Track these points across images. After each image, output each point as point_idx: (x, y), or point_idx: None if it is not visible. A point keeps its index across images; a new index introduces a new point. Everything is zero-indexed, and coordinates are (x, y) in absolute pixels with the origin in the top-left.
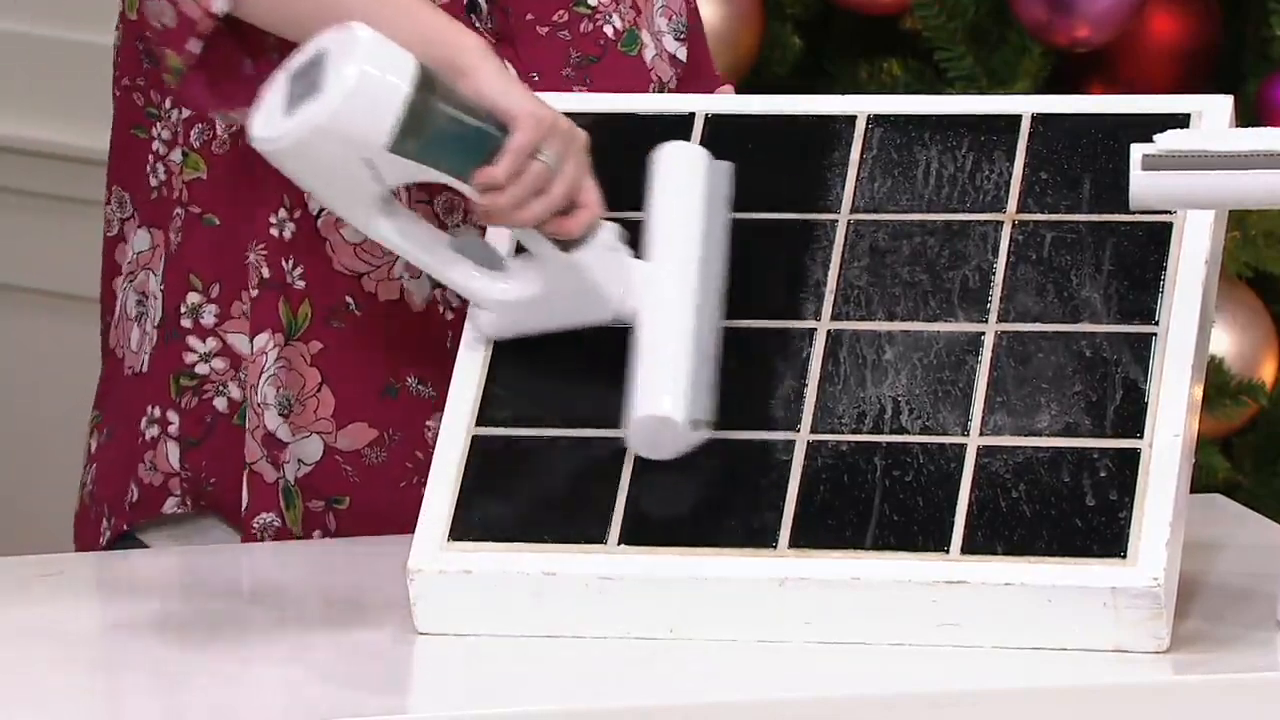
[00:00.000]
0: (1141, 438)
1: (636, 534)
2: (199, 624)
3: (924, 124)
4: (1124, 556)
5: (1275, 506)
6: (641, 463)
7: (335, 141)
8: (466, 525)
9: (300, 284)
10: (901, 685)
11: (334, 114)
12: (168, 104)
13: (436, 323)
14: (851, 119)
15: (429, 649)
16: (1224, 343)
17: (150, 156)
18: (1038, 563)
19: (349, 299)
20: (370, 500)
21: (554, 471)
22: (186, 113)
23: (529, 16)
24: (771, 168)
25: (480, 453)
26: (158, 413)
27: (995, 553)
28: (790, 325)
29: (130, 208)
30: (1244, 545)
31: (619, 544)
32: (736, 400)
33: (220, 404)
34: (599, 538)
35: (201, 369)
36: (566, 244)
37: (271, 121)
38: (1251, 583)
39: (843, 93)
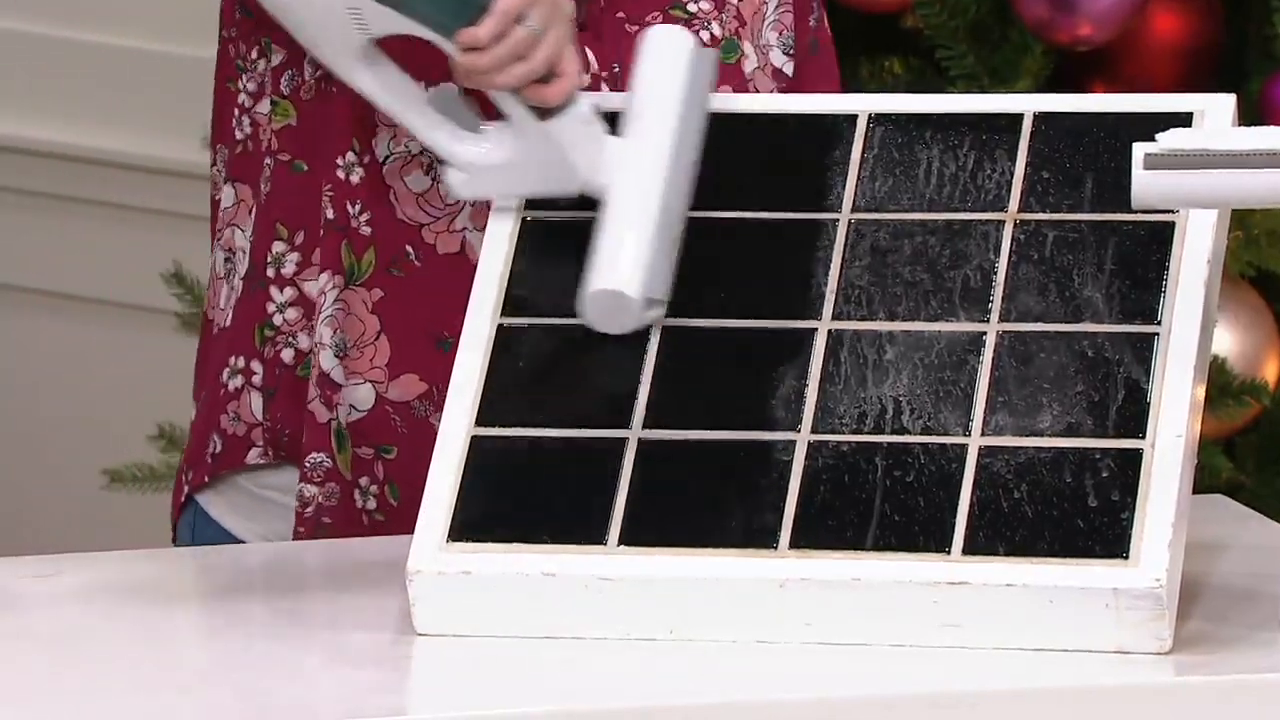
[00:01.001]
0: (1144, 438)
1: (636, 534)
2: (197, 624)
3: (925, 123)
4: (1126, 557)
5: (1278, 507)
6: (642, 463)
7: None
8: (466, 526)
9: (367, 229)
10: (902, 686)
11: None
12: (254, 54)
13: None
14: (852, 118)
15: (428, 650)
16: (1226, 342)
17: (236, 110)
18: (1039, 563)
19: (409, 248)
20: (417, 453)
21: (553, 472)
22: (276, 60)
23: (620, 14)
24: (772, 167)
25: (480, 453)
26: (241, 363)
27: (997, 553)
28: (791, 325)
29: (222, 165)
30: (1247, 546)
31: (619, 544)
32: (737, 400)
33: (287, 355)
34: (598, 538)
35: (277, 319)
36: (543, 112)
37: None
38: (1254, 583)
39: (845, 90)
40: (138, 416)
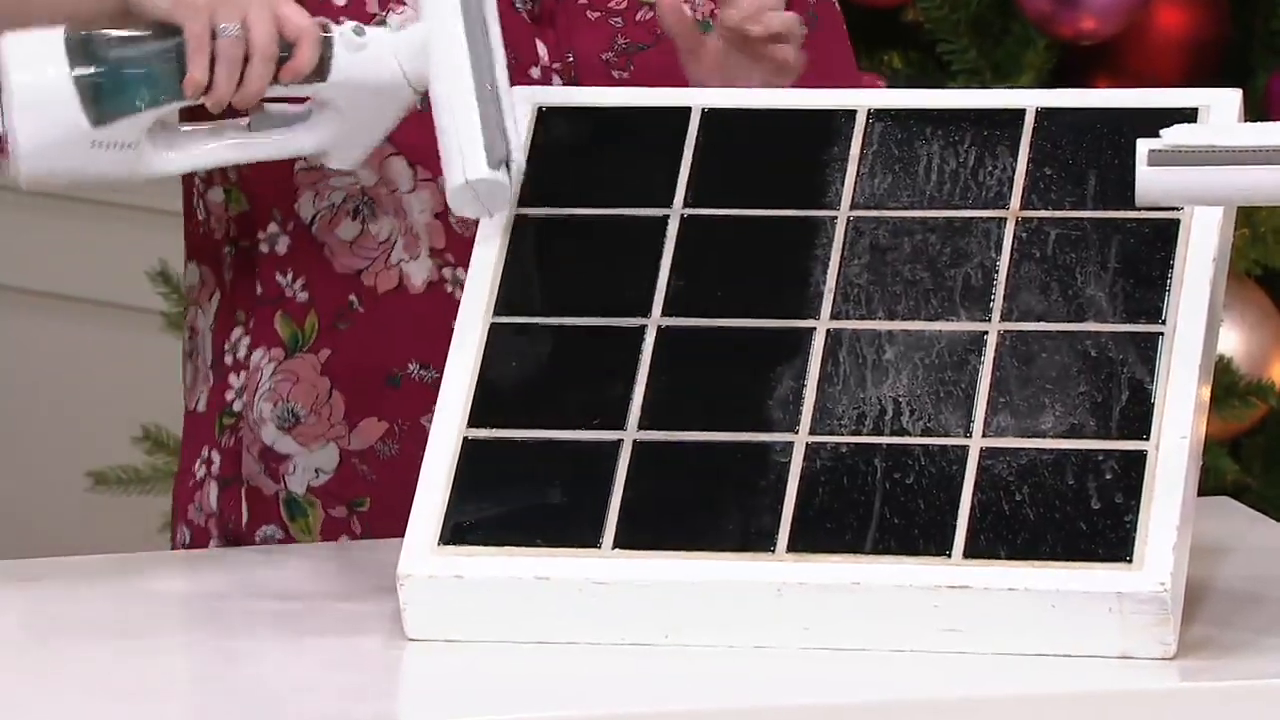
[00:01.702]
0: (1148, 439)
1: (631, 537)
2: (185, 629)
3: (926, 118)
4: (1130, 561)
5: None
6: (636, 464)
7: (51, 153)
8: (458, 529)
9: (303, 295)
10: (902, 692)
11: (27, 134)
12: None
13: (439, 302)
14: (852, 113)
15: (419, 655)
16: (1232, 342)
17: (195, 191)
18: (1042, 567)
19: (352, 298)
20: (390, 496)
21: (547, 474)
22: None
23: (581, 1)
24: (770, 163)
25: (472, 455)
26: (206, 453)
27: (998, 557)
28: (789, 324)
29: (186, 239)
30: (1253, 549)
31: (613, 547)
32: (734, 401)
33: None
34: (593, 541)
35: (238, 405)
36: (313, 75)
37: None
38: (1260, 587)
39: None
40: (122, 418)
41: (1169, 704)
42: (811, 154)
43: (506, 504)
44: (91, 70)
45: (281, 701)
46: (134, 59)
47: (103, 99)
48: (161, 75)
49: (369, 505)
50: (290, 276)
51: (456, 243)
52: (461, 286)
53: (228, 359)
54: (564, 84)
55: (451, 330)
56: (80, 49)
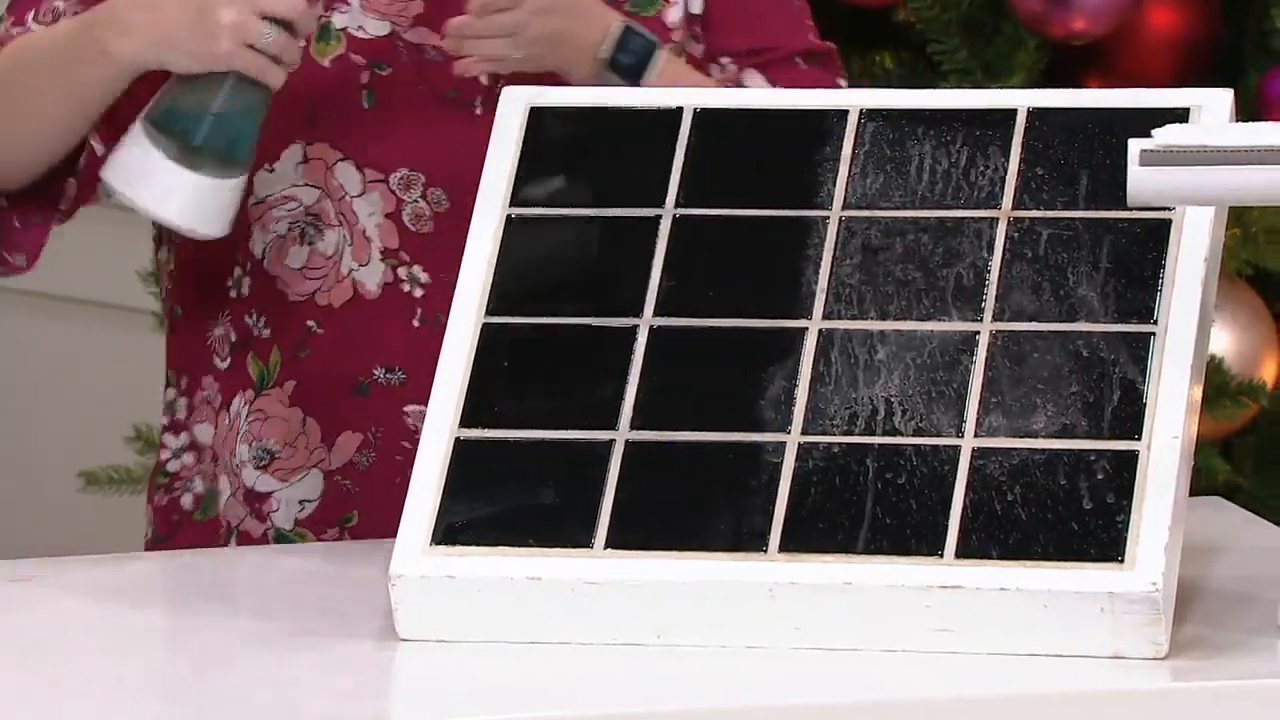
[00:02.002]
0: (1139, 439)
1: (623, 537)
2: (176, 630)
3: (917, 118)
4: (1122, 561)
5: (1276, 509)
6: (628, 464)
7: (209, 215)
8: (449, 529)
9: (266, 332)
10: (894, 692)
11: (186, 221)
12: None
13: (397, 302)
14: (843, 113)
15: (411, 655)
16: (1224, 342)
17: (156, 259)
18: (1034, 567)
19: (310, 323)
20: (375, 505)
21: (538, 474)
22: None
23: None
24: (761, 163)
25: (463, 455)
26: (150, 514)
27: (990, 557)
28: (781, 324)
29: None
30: (1244, 549)
31: (605, 548)
32: (725, 401)
33: (186, 501)
34: (585, 541)
35: (173, 465)
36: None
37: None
38: (1252, 587)
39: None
40: (114, 418)
41: (1161, 704)
42: (803, 154)
43: (498, 504)
44: (200, 144)
45: (274, 701)
46: (222, 109)
47: (230, 156)
48: (243, 141)
49: (357, 519)
50: (255, 316)
51: (410, 240)
52: (419, 285)
53: (164, 418)
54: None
55: (412, 329)
56: (171, 134)
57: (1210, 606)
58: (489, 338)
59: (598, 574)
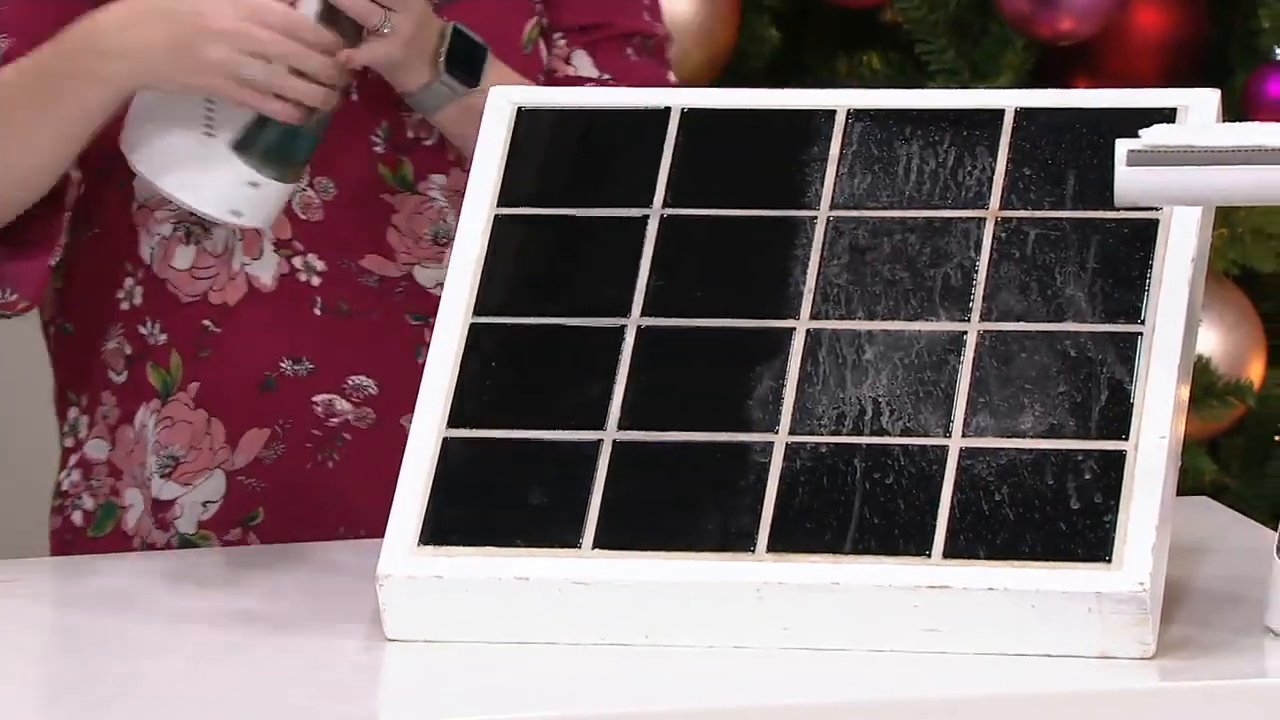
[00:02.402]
0: (1127, 439)
1: (611, 537)
2: (162, 630)
3: (905, 119)
4: (1109, 561)
5: (1263, 509)
6: (616, 464)
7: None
8: (437, 529)
9: (162, 338)
10: (882, 692)
11: (253, 219)
12: None
13: (295, 293)
14: (831, 113)
15: (399, 656)
16: (1211, 342)
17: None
18: (1021, 567)
19: (206, 323)
20: (281, 500)
21: (527, 474)
22: None
23: None
24: (749, 163)
25: (451, 455)
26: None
27: (978, 557)
28: (768, 324)
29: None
30: (1231, 549)
31: (593, 548)
32: (713, 401)
33: (76, 518)
34: (573, 541)
35: (65, 484)
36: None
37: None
38: (1239, 587)
39: (821, 86)
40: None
41: (1148, 704)
42: (791, 154)
43: (486, 504)
44: (255, 150)
45: (261, 702)
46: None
47: (288, 158)
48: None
49: (263, 516)
50: (150, 324)
51: (302, 229)
52: (315, 274)
53: (68, 440)
54: None
55: (315, 317)
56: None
57: (1197, 606)
58: (476, 338)
59: (586, 574)
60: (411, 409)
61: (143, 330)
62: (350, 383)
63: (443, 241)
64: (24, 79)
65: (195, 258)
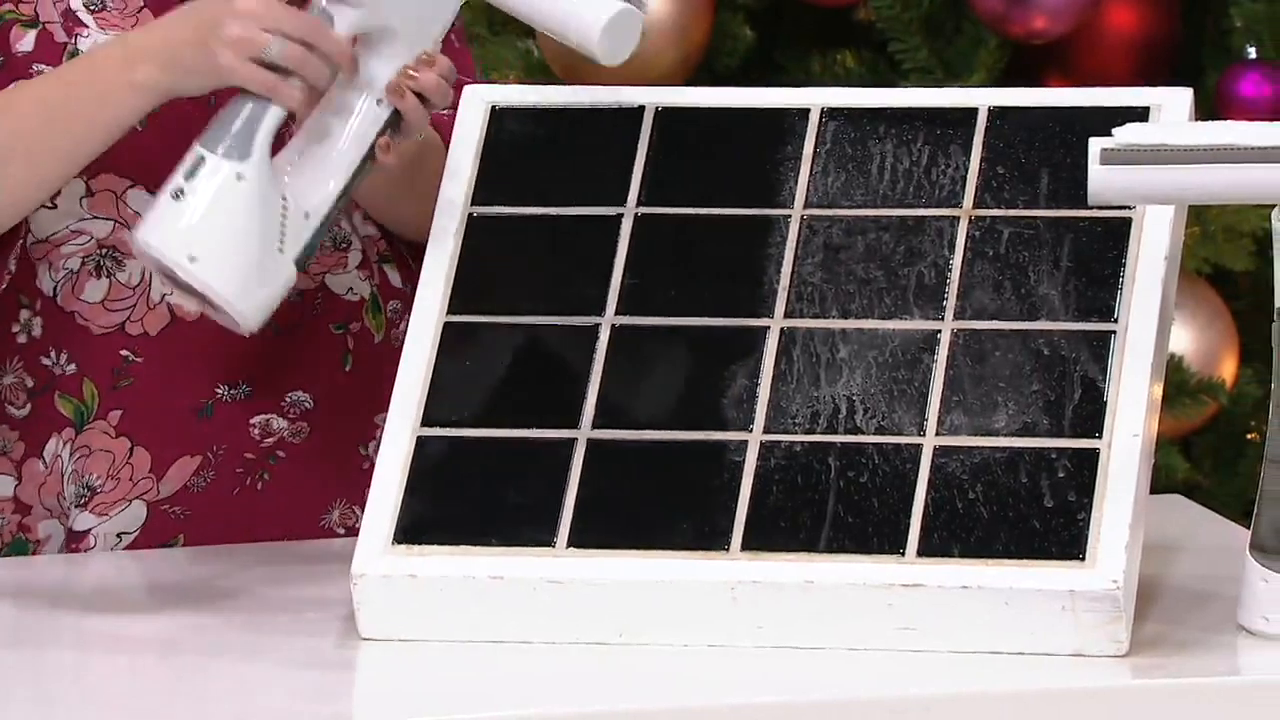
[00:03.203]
0: (1100, 437)
1: (585, 536)
2: (135, 630)
3: (879, 117)
4: (1083, 559)
5: (1235, 507)
6: (590, 463)
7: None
8: (411, 528)
9: (71, 368)
10: (857, 690)
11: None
12: None
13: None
14: (805, 112)
15: (373, 655)
16: (1183, 340)
17: None
18: (995, 565)
19: (124, 353)
20: (204, 526)
21: (501, 473)
22: None
23: None
24: (723, 162)
25: (425, 454)
26: None
27: (952, 555)
28: (742, 323)
29: None
30: (1204, 547)
31: (567, 547)
32: (687, 399)
33: None
34: (547, 540)
35: None
36: (354, 6)
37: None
38: (1212, 585)
39: (795, 85)
40: None
41: (1121, 701)
42: (765, 153)
43: (460, 503)
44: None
45: (234, 702)
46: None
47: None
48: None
49: (182, 541)
50: (55, 355)
51: None
52: None
53: None
54: None
55: (246, 341)
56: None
57: (1170, 604)
58: (450, 336)
59: (560, 573)
60: (344, 418)
61: (45, 361)
62: (288, 399)
63: (343, 246)
64: (50, 94)
65: (109, 290)
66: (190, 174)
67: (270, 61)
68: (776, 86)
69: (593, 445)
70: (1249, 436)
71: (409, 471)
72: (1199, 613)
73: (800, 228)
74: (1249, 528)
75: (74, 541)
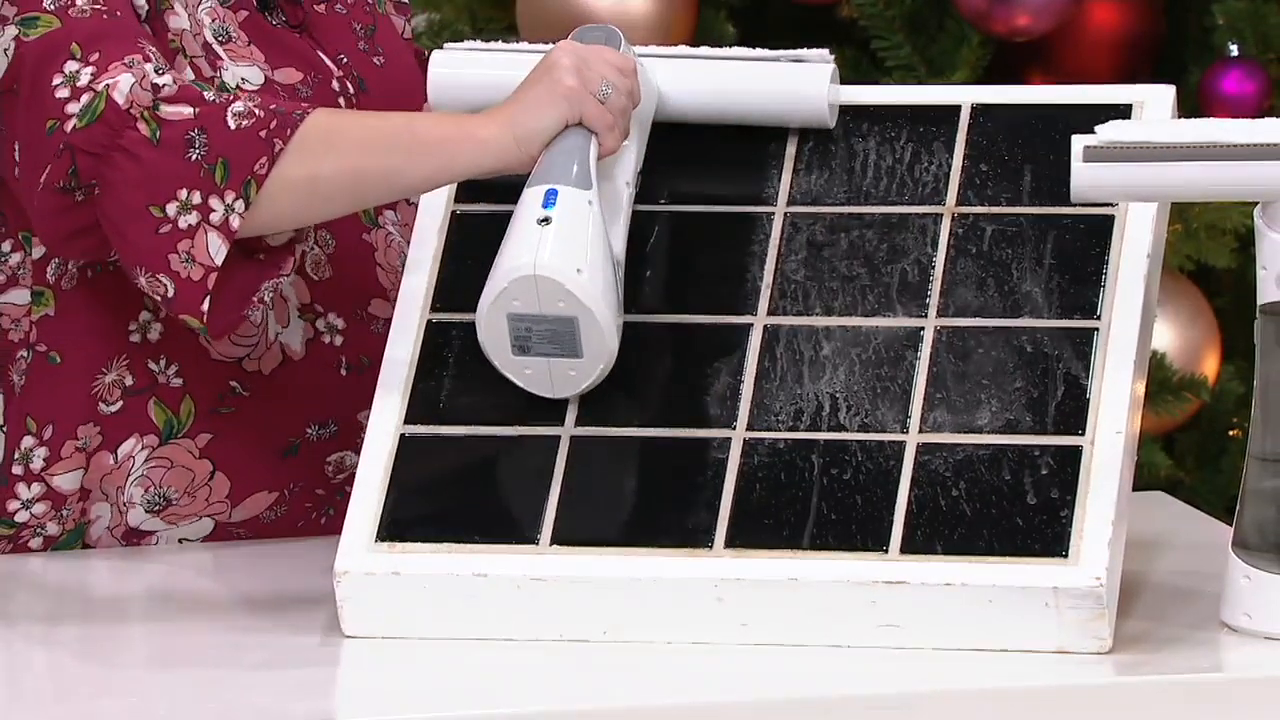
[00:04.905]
0: (1083, 435)
1: (569, 534)
2: (118, 627)
3: (862, 115)
4: (1066, 556)
5: (1218, 504)
6: (574, 461)
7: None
8: (395, 526)
9: (177, 381)
10: (841, 688)
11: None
12: (6, 247)
13: (323, 358)
14: None
15: (357, 652)
16: (1166, 337)
17: None
18: (978, 562)
19: (233, 383)
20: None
21: (484, 471)
22: (37, 254)
23: (338, 6)
24: (707, 159)
25: (409, 451)
26: None
27: (935, 552)
28: (726, 320)
29: None
30: (1187, 544)
31: (551, 544)
32: (671, 397)
33: (35, 543)
34: (531, 538)
35: (21, 516)
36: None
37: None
38: (1194, 582)
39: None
40: None
41: (1104, 698)
42: (748, 150)
43: (444, 501)
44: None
45: (219, 698)
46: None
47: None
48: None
49: None
50: (164, 364)
51: (318, 290)
52: (337, 333)
53: (17, 468)
54: (354, 88)
55: (340, 378)
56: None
57: (1153, 601)
58: (434, 334)
59: (544, 570)
60: None
61: (153, 366)
62: (362, 435)
63: None
64: (418, 133)
65: (261, 320)
66: (547, 204)
67: (605, 101)
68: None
69: (576, 443)
70: (1231, 433)
71: (392, 469)
72: (1182, 609)
73: (784, 225)
74: (1231, 524)
75: (137, 539)
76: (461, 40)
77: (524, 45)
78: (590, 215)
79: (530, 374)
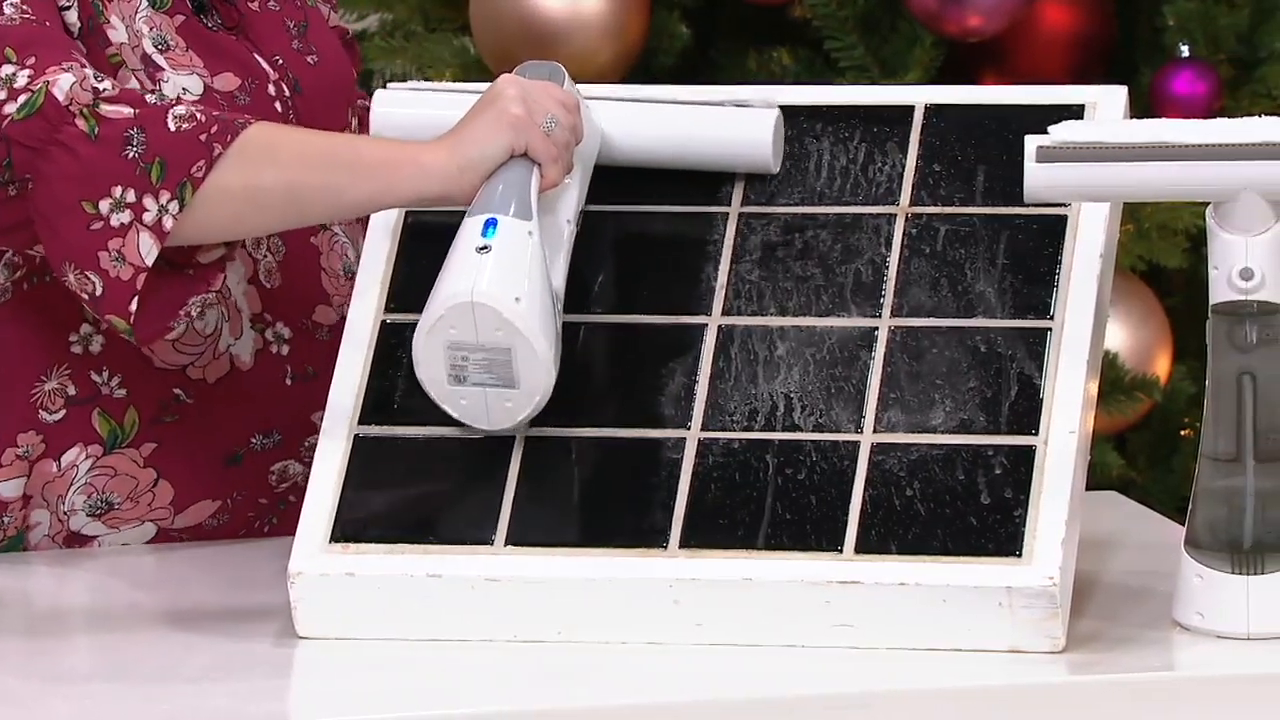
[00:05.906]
0: (1037, 434)
1: (523, 534)
2: (71, 629)
3: (815, 115)
4: (1019, 555)
5: (1170, 503)
6: (528, 461)
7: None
8: (349, 526)
9: (120, 392)
10: (795, 687)
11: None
12: None
13: (271, 368)
14: None
15: (310, 654)
16: (1118, 337)
17: None
18: (932, 562)
19: (177, 391)
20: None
21: (438, 471)
22: None
23: (271, 4)
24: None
25: (363, 452)
26: None
27: (889, 552)
28: (680, 320)
29: None
30: (1139, 543)
31: (505, 545)
32: (625, 397)
33: None
34: (485, 539)
35: None
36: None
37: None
38: (1147, 581)
39: (731, 83)
40: None
41: (1057, 697)
42: None
43: (398, 501)
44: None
45: (171, 701)
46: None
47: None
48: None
49: None
50: (106, 375)
51: (269, 298)
52: (284, 342)
53: None
54: (289, 90)
55: (285, 388)
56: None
57: (1106, 600)
58: (388, 335)
59: (498, 571)
60: None
61: (95, 378)
62: (306, 444)
63: (351, 274)
64: (361, 154)
65: (183, 333)
66: (486, 232)
67: (550, 134)
68: (713, 84)
69: (530, 443)
70: (1183, 433)
71: (346, 470)
72: (1134, 609)
73: (738, 225)
74: (1184, 524)
75: (79, 543)
76: (405, 80)
77: (467, 85)
78: (530, 246)
79: (466, 405)
